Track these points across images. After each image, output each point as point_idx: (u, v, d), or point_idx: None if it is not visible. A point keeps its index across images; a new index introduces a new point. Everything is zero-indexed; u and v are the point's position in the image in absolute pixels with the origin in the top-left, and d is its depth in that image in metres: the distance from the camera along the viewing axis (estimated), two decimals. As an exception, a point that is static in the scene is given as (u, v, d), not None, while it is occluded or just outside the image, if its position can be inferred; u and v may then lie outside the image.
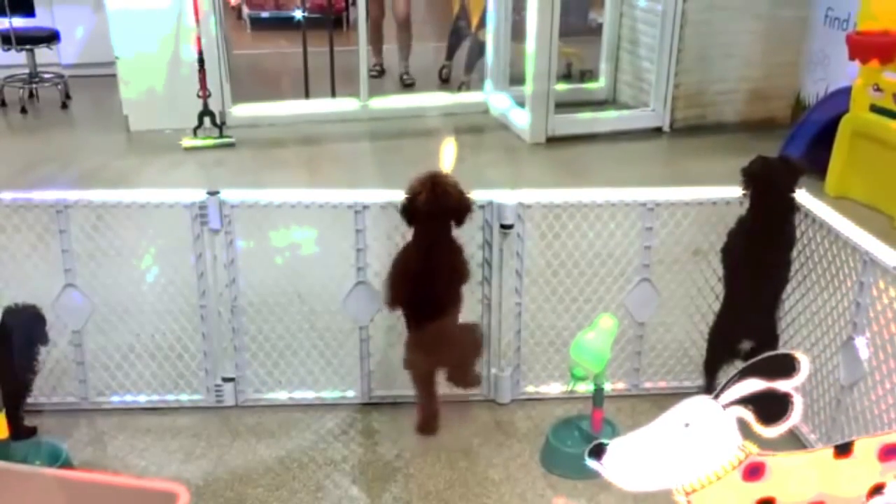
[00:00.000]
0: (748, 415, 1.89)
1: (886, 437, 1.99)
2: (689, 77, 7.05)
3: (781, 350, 2.02)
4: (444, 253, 3.09)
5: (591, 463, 1.91)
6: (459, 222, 3.08)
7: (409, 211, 3.04)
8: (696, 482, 1.89)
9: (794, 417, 1.90)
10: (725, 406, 1.89)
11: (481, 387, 3.45)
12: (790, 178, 3.16)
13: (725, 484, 1.89)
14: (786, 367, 1.89)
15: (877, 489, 1.99)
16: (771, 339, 3.26)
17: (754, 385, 1.88)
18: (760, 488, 1.92)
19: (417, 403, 3.30)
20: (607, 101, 7.74)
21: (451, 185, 3.04)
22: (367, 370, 3.43)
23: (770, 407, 1.89)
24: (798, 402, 1.90)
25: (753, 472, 1.90)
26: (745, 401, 1.89)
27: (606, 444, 1.90)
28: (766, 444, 1.94)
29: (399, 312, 3.21)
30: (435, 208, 3.00)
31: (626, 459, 1.89)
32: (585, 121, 7.04)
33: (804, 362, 1.89)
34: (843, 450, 1.96)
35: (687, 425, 1.87)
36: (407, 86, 8.17)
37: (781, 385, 1.88)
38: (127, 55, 6.77)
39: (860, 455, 1.96)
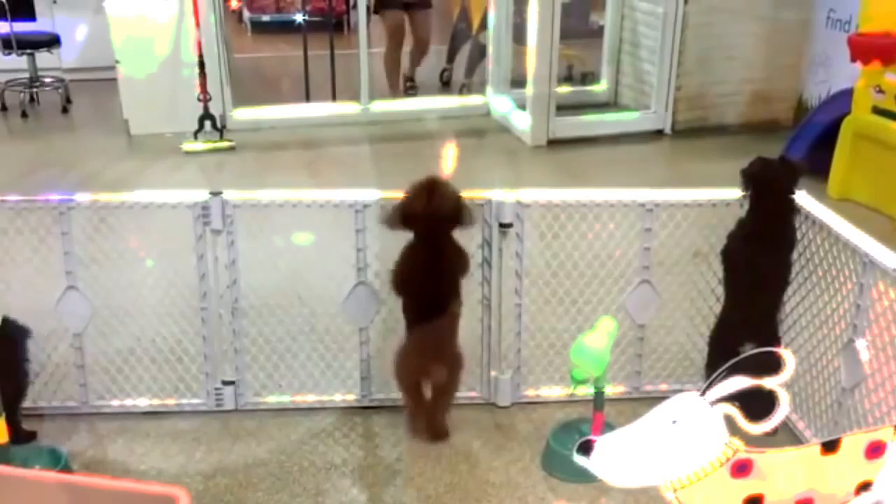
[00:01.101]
0: (735, 412, 1.90)
1: (873, 435, 2.00)
2: (690, 79, 7.05)
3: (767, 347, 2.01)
4: (445, 256, 3.10)
5: (579, 459, 1.91)
6: (460, 225, 3.08)
7: (406, 216, 3.05)
8: (684, 478, 1.90)
9: (781, 414, 1.91)
10: (712, 403, 1.89)
11: (480, 388, 3.45)
12: (790, 179, 3.16)
13: (713, 480, 1.89)
14: (772, 364, 1.90)
15: (864, 486, 1.99)
16: (772, 342, 3.25)
17: (741, 382, 1.88)
18: (748, 485, 1.92)
19: (408, 411, 3.30)
20: (609, 104, 7.74)
21: (448, 191, 3.05)
22: (368, 373, 3.43)
23: (757, 404, 1.90)
24: (784, 399, 1.90)
25: (741, 468, 1.91)
26: (731, 398, 1.89)
27: (594, 440, 1.90)
28: (763, 442, 1.94)
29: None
30: (431, 214, 3.00)
31: (614, 456, 1.89)
32: (587, 123, 7.04)
33: (790, 359, 1.90)
34: (830, 447, 1.97)
35: (674, 422, 1.88)
36: (409, 92, 8.09)
37: (768, 382, 1.89)
38: (127, 59, 6.78)
39: (847, 452, 1.96)
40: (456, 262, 3.14)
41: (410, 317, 3.19)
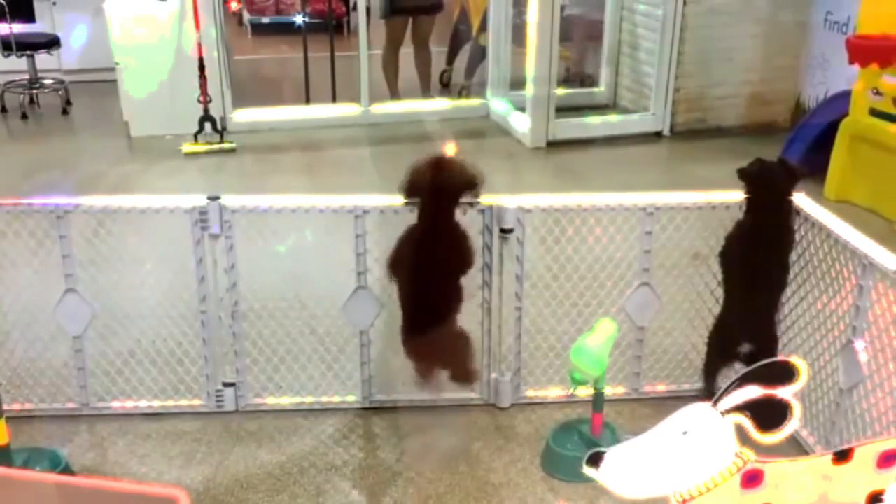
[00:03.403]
0: (746, 422, 1.89)
1: (885, 444, 1.99)
2: (689, 81, 7.06)
3: (781, 357, 2.00)
4: (448, 237, 3.07)
5: (588, 471, 1.91)
6: (473, 195, 3.08)
7: (413, 189, 3.02)
8: (695, 490, 1.89)
9: (793, 425, 1.90)
10: (724, 413, 1.89)
11: (480, 390, 3.46)
12: (788, 180, 3.16)
13: (724, 491, 1.88)
14: (785, 374, 1.89)
15: (875, 495, 1.99)
16: (770, 343, 3.26)
17: (753, 392, 1.88)
18: (759, 496, 1.91)
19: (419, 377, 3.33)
20: (608, 106, 7.75)
21: (456, 164, 3.03)
22: (368, 375, 3.43)
23: (768, 414, 1.89)
24: (796, 409, 1.90)
25: (752, 479, 1.90)
26: (743, 408, 1.88)
27: (604, 452, 1.90)
28: (765, 449, 1.93)
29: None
30: (438, 187, 2.97)
31: (623, 467, 1.89)
32: (586, 125, 7.05)
33: (803, 370, 1.89)
34: (842, 456, 1.96)
35: (685, 433, 1.87)
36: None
37: (780, 392, 1.88)
38: (127, 61, 6.78)
39: (859, 461, 1.95)
40: (455, 246, 3.09)
41: (403, 302, 3.15)
